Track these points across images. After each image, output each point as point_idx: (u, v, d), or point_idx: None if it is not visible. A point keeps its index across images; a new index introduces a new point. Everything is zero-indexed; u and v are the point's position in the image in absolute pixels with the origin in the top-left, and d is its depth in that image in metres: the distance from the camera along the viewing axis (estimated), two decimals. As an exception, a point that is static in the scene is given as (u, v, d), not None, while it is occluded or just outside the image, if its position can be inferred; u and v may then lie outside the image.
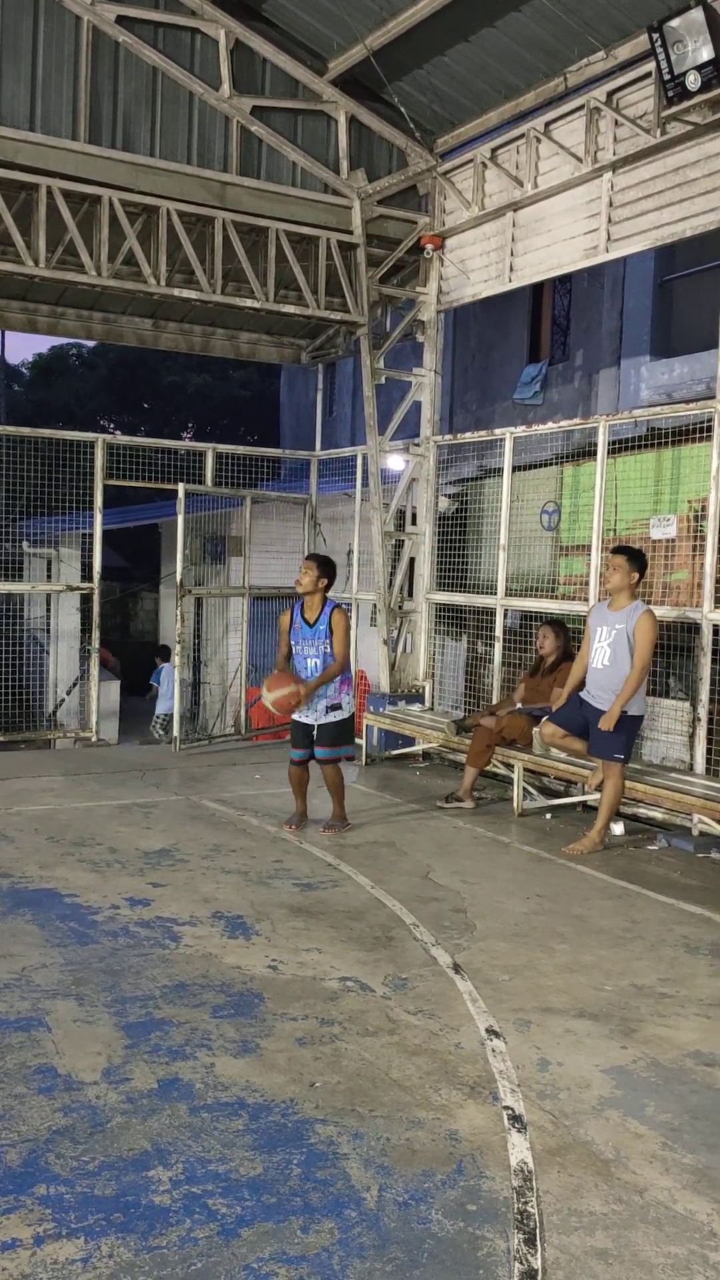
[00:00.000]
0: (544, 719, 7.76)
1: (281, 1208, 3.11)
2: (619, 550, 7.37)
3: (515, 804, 8.34)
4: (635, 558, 7.23)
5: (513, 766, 8.41)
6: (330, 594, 7.60)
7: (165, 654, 16.18)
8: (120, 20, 9.19)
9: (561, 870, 6.84)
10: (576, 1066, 4.09)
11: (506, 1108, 3.74)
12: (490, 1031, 4.35)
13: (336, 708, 7.51)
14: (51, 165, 8.97)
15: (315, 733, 7.54)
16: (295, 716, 7.59)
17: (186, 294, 9.73)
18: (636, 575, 7.20)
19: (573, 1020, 4.51)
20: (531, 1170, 3.35)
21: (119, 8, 9.15)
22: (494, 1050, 4.19)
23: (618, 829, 7.69)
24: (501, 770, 8.86)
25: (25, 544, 13.30)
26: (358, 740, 10.60)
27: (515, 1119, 3.67)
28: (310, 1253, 2.91)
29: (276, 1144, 3.44)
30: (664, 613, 7.78)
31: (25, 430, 11.12)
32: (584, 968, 5.12)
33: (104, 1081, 3.81)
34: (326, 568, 7.57)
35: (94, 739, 11.28)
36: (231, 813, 8.10)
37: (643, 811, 7.98)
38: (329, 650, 7.41)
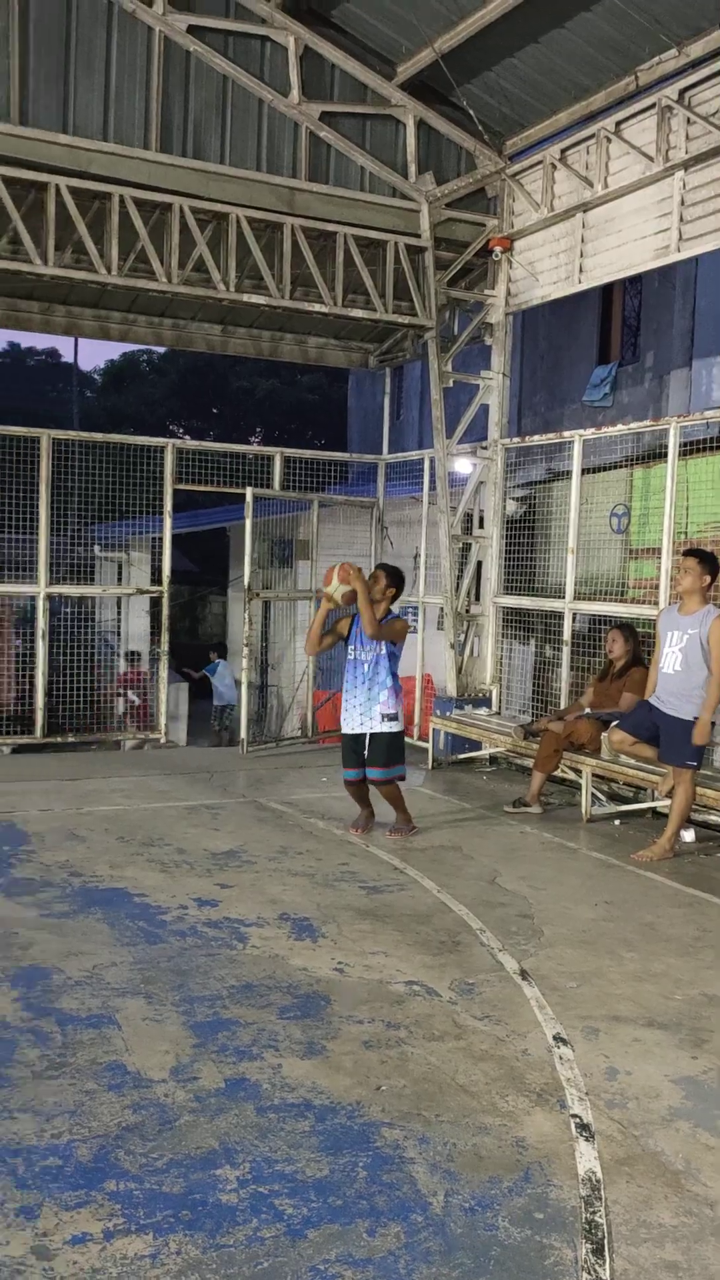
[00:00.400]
0: (613, 725, 7.67)
1: (347, 1210, 3.11)
2: (691, 553, 7.26)
3: (583, 810, 8.27)
4: (707, 560, 7.12)
5: (581, 772, 8.34)
6: (397, 603, 7.60)
7: (221, 650, 16.40)
8: (191, 30, 9.29)
9: (630, 877, 6.76)
10: (645, 1076, 4.04)
11: (574, 1116, 3.71)
12: (558, 1039, 4.32)
13: (393, 718, 7.45)
14: (124, 174, 9.11)
15: (368, 746, 7.46)
16: (346, 729, 7.55)
17: (255, 299, 9.80)
18: (709, 578, 7.09)
19: (641, 1029, 4.45)
20: (600, 1180, 3.32)
21: (190, 18, 9.26)
22: (561, 1058, 4.15)
23: (688, 836, 7.58)
24: (569, 776, 8.79)
25: (96, 548, 13.50)
26: (423, 743, 10.60)
27: (583, 1127, 3.63)
28: (376, 1256, 2.91)
29: (343, 1146, 3.45)
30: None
31: (97, 436, 11.30)
32: (653, 976, 5.05)
33: (172, 1080, 3.85)
34: (395, 579, 7.58)
35: (163, 740, 11.41)
36: (298, 815, 8.14)
37: (714, 818, 7.86)
38: (382, 653, 7.37)
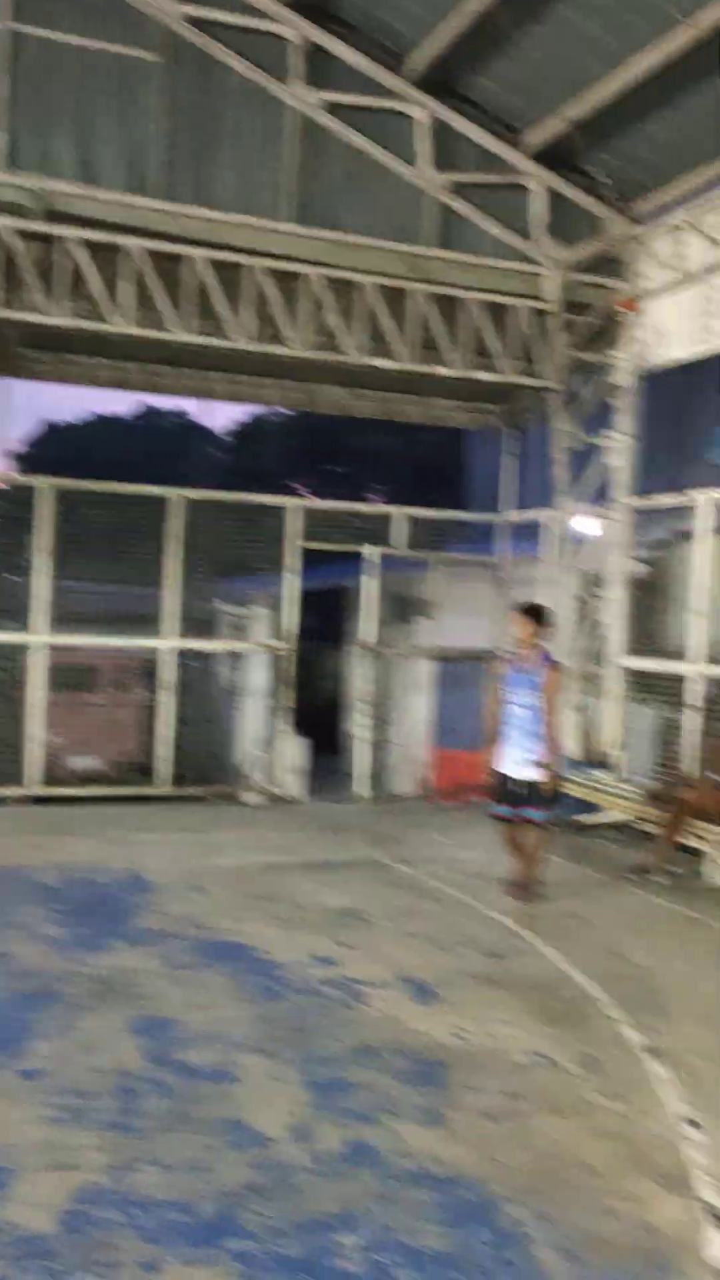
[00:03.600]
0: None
1: (469, 1286, 3.05)
2: None
3: (707, 878, 8.02)
4: None
5: (706, 839, 8.10)
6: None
7: None
8: (326, 105, 9.61)
9: (760, 952, 6.52)
10: (780, 1165, 3.87)
11: (706, 1203, 3.57)
12: (687, 1120, 4.17)
13: (544, 764, 7.39)
14: (259, 245, 9.43)
15: (519, 788, 7.44)
16: (500, 766, 7.51)
17: (382, 363, 9.99)
18: None
19: (775, 1114, 4.28)
20: (732, 1273, 3.19)
21: (325, 94, 9.58)
22: (690, 1140, 4.01)
23: None
24: (695, 843, 8.54)
25: (219, 603, 13.77)
26: (552, 810, 10.43)
27: (715, 1215, 3.50)
28: (499, 1337, 2.84)
29: (463, 1219, 3.39)
30: None
31: (225, 495, 11.58)
32: (786, 1058, 4.85)
33: (292, 1140, 3.85)
34: (537, 614, 7.53)
35: (283, 795, 11.49)
36: (417, 874, 8.09)
37: None
38: (537, 703, 7.35)
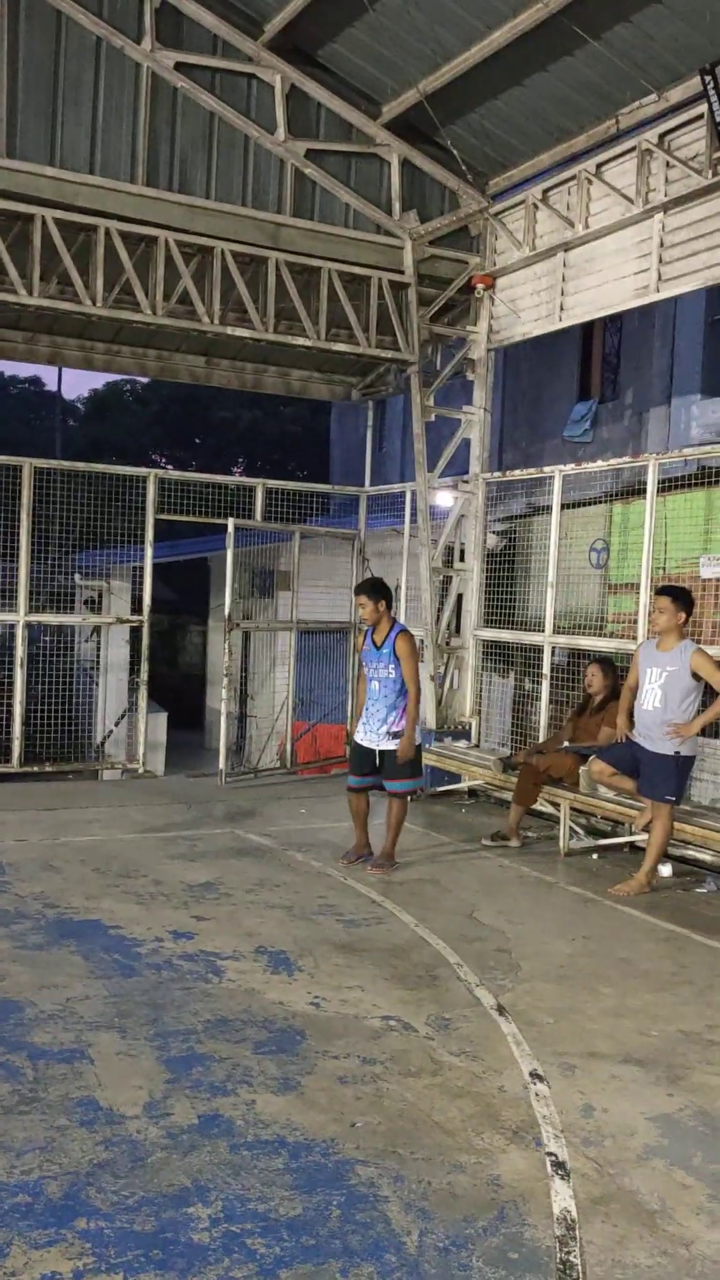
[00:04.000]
0: (594, 756, 7.69)
1: (321, 1250, 3.08)
2: (664, 591, 7.32)
3: (561, 843, 8.27)
4: (680, 597, 7.17)
5: (559, 805, 8.34)
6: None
7: None
8: (179, 66, 9.40)
9: (607, 912, 6.75)
10: (621, 1113, 4.02)
11: (550, 1154, 3.69)
12: (534, 1075, 4.30)
13: (399, 735, 7.47)
14: (110, 207, 9.18)
15: (380, 760, 7.52)
16: (356, 737, 7.59)
17: (240, 332, 9.88)
18: (683, 615, 7.14)
19: (618, 1066, 4.44)
20: (575, 1219, 3.30)
21: (178, 54, 9.37)
22: (537, 1094, 4.13)
23: (665, 871, 7.59)
24: (548, 809, 8.79)
25: (77, 576, 13.47)
26: (415, 780, 10.57)
27: (559, 1166, 3.61)
28: (349, 1297, 2.88)
29: (316, 1184, 3.42)
30: (715, 652, 7.69)
31: (79, 465, 11.29)
32: (630, 1012, 5.04)
33: (145, 1116, 3.81)
34: (377, 592, 7.54)
35: (141, 770, 11.35)
36: (276, 847, 8.10)
37: (691, 853, 7.87)
38: (392, 674, 7.40)
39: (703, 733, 7.67)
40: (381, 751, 7.49)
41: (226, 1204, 3.28)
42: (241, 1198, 3.32)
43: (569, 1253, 3.12)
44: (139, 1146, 3.60)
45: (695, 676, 7.01)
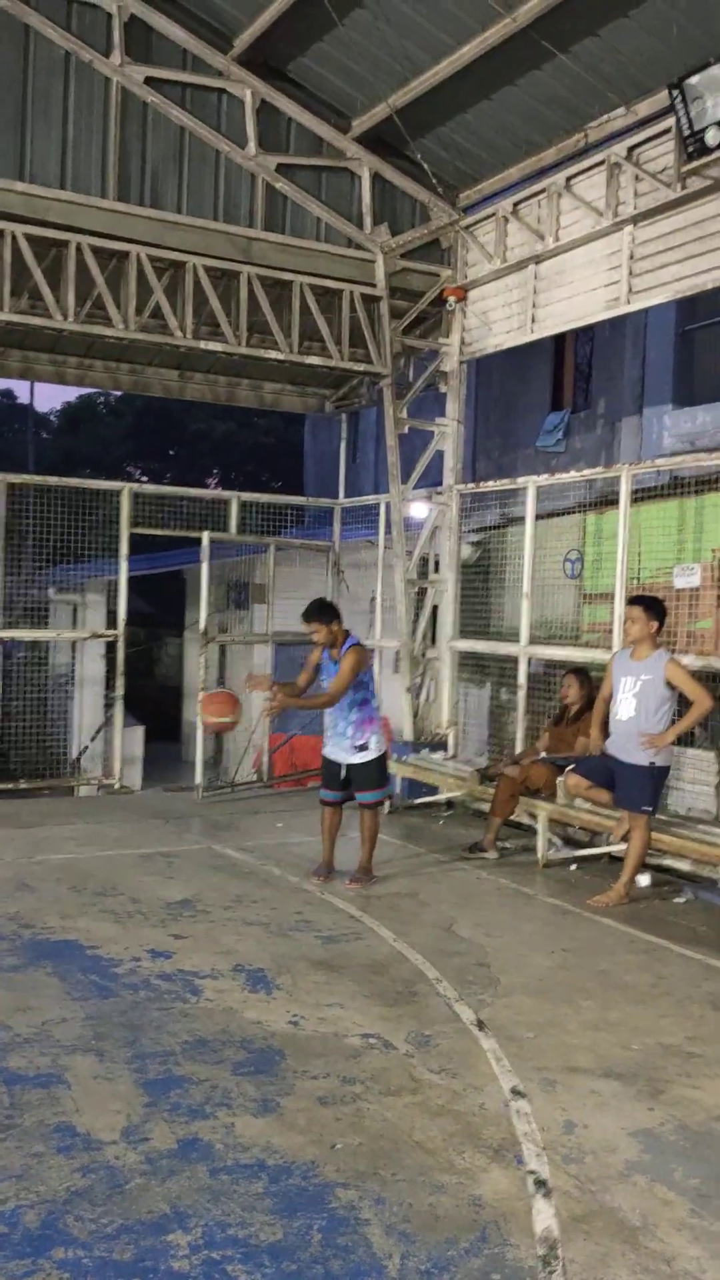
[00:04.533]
0: (569, 769, 7.71)
1: (302, 1275, 3.06)
2: (635, 600, 7.35)
3: (539, 855, 8.27)
4: (652, 606, 7.21)
5: (537, 816, 8.35)
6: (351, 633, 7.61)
7: None
8: (149, 81, 9.39)
9: (586, 923, 6.76)
10: (602, 1129, 4.02)
11: (531, 1172, 3.68)
12: (515, 1092, 4.29)
13: (363, 748, 7.46)
14: (81, 223, 9.15)
15: (346, 773, 7.50)
16: (325, 752, 7.56)
17: (212, 346, 9.87)
18: (656, 624, 7.17)
19: (598, 1080, 4.44)
20: (557, 1238, 3.29)
21: (147, 69, 9.36)
22: (518, 1111, 4.12)
23: (644, 881, 7.61)
24: (526, 820, 8.80)
25: (51, 591, 13.40)
26: (384, 789, 10.56)
27: (540, 1184, 3.60)
28: (330, 1323, 2.85)
29: (297, 1208, 3.39)
30: (688, 661, 7.73)
31: (52, 480, 11.24)
32: (610, 1025, 5.04)
33: (123, 1141, 3.77)
34: (325, 614, 7.42)
35: (117, 786, 11.28)
36: (254, 862, 8.07)
37: (669, 863, 7.88)
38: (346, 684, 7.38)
39: (678, 742, 7.71)
40: (349, 765, 7.48)
41: (206, 1230, 3.25)
42: (221, 1223, 3.29)
43: (551, 1272, 3.11)
44: (117, 1173, 3.56)
45: (670, 686, 7.04)
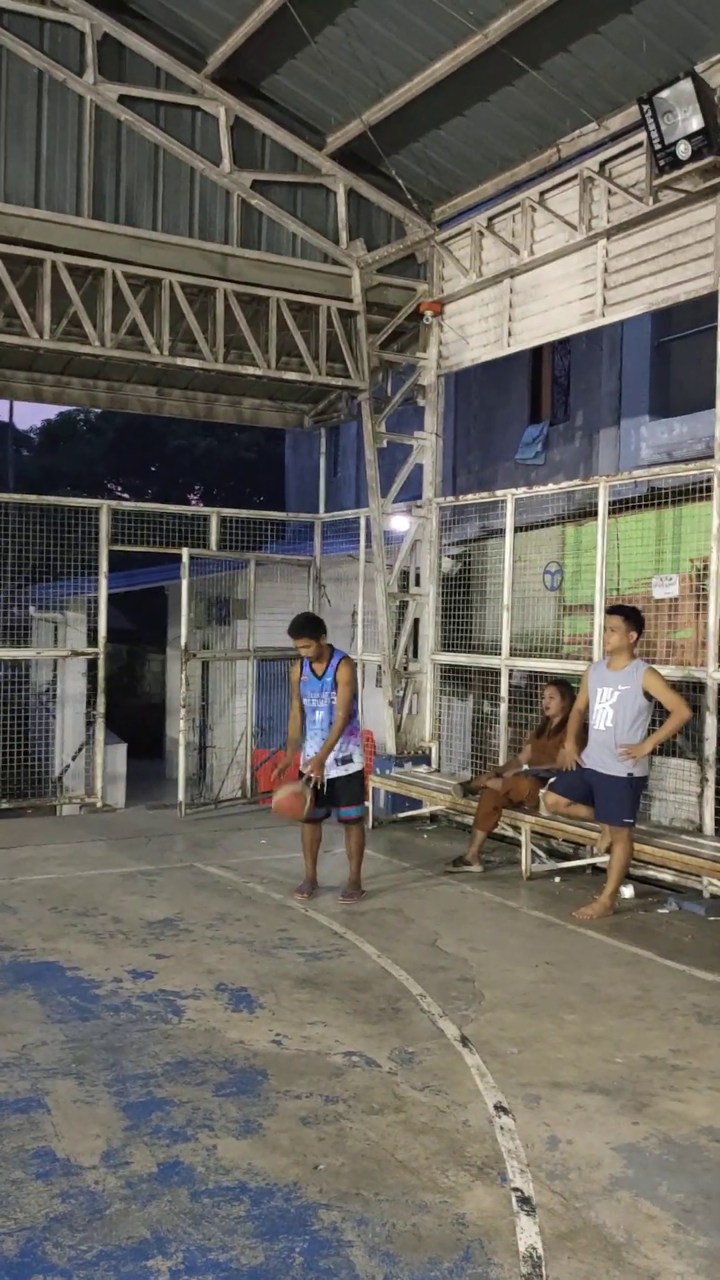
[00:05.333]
0: (547, 788, 7.70)
1: (283, 1300, 3.02)
2: (615, 610, 7.36)
3: (523, 867, 8.26)
4: (631, 616, 7.22)
5: (520, 829, 8.34)
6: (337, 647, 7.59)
7: None
8: (122, 99, 9.41)
9: (571, 936, 6.74)
10: (587, 1144, 4.00)
11: (515, 1189, 3.65)
12: (499, 1108, 4.26)
13: (347, 760, 7.44)
14: (56, 240, 9.16)
15: (328, 789, 7.46)
16: (304, 769, 7.51)
17: (190, 363, 9.87)
18: (635, 634, 7.19)
19: (583, 1095, 4.42)
20: (541, 1256, 3.26)
21: (121, 87, 9.39)
22: (502, 1128, 4.10)
23: (628, 892, 7.60)
24: (509, 833, 8.79)
25: (31, 609, 13.35)
26: (365, 803, 10.54)
27: (524, 1201, 3.58)
28: (313, 1348, 2.82)
29: (279, 1231, 3.36)
30: (669, 672, 7.75)
31: (31, 498, 11.20)
32: (594, 1039, 5.03)
33: (103, 1165, 3.73)
34: (314, 629, 7.44)
35: (100, 804, 11.22)
36: (237, 879, 8.03)
37: (652, 873, 7.89)
38: (332, 702, 7.37)
39: (661, 752, 7.73)
40: (330, 780, 7.44)
41: (187, 1255, 3.22)
42: (202, 1248, 3.26)
43: (535, 1292, 3.09)
44: (97, 1198, 3.52)
45: (647, 696, 7.05)
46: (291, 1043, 4.87)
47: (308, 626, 7.45)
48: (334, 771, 7.42)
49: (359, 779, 7.57)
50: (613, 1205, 3.58)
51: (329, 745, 7.32)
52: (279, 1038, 4.92)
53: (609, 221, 8.75)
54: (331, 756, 7.39)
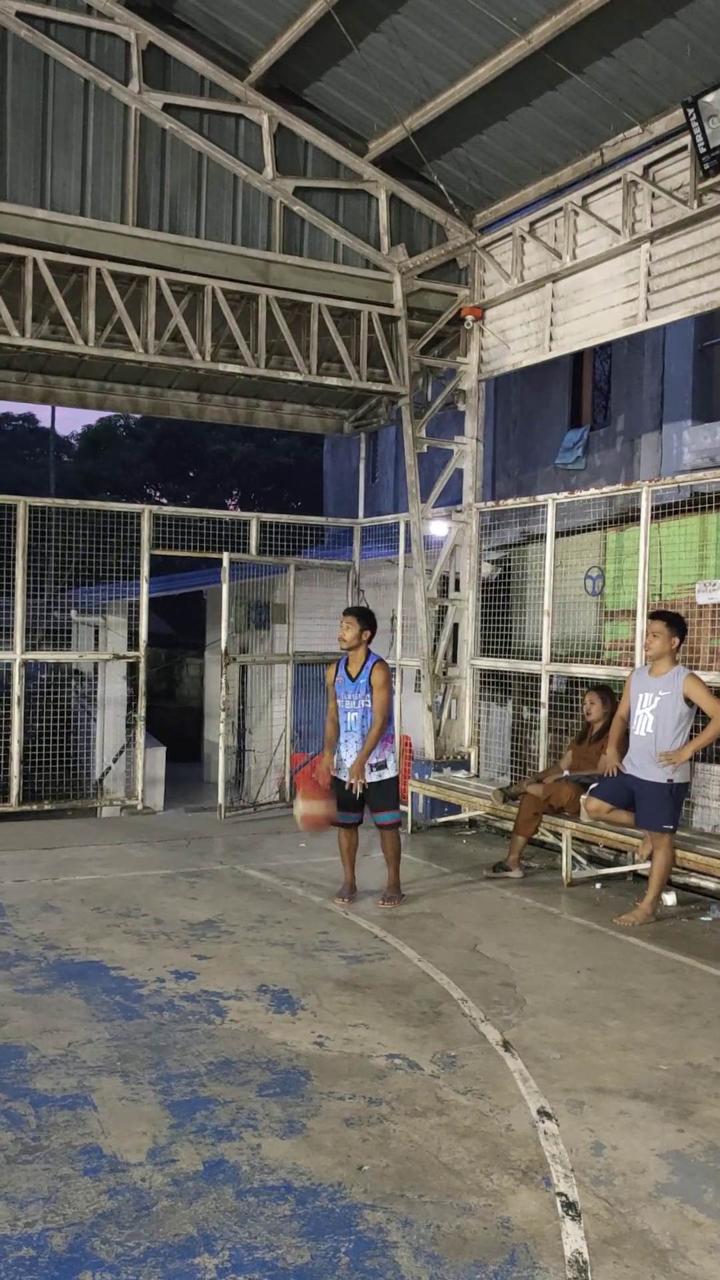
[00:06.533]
0: (588, 794, 7.67)
1: (330, 1299, 3.04)
2: (658, 615, 7.33)
3: (564, 873, 8.22)
4: (675, 622, 7.19)
5: (561, 835, 8.31)
6: (374, 650, 7.61)
7: None
8: (166, 108, 9.51)
9: (612, 943, 6.71)
10: (631, 1150, 3.98)
11: (560, 1194, 3.64)
12: (542, 1113, 4.25)
13: (381, 766, 7.44)
14: (101, 248, 9.26)
15: (362, 794, 7.47)
16: (337, 774, 7.53)
17: (231, 369, 9.94)
18: (677, 640, 7.15)
19: (627, 1101, 4.40)
20: (587, 1261, 3.26)
21: (165, 96, 9.48)
22: (546, 1133, 4.09)
23: (670, 899, 7.55)
24: (550, 839, 8.76)
25: (74, 612, 13.48)
26: (403, 807, 10.54)
27: (569, 1206, 3.57)
28: (359, 1348, 2.83)
29: (324, 1230, 3.37)
30: (711, 678, 7.70)
31: (73, 503, 11.32)
32: (638, 1045, 5.00)
33: (149, 1163, 3.76)
34: (366, 620, 7.56)
35: (140, 806, 11.30)
36: (277, 882, 8.06)
37: (695, 881, 7.83)
38: (369, 705, 7.38)
39: (702, 758, 7.67)
40: (366, 784, 7.44)
41: (233, 1253, 3.24)
42: (249, 1246, 3.28)
43: (582, 1296, 3.08)
44: (144, 1195, 3.55)
45: (688, 702, 7.01)
46: (334, 1044, 4.89)
47: (358, 612, 7.63)
48: (368, 777, 7.42)
49: (394, 784, 7.57)
50: (658, 1211, 3.56)
51: (367, 750, 7.33)
52: (321, 1039, 4.94)
53: (652, 225, 8.71)
54: (368, 762, 7.40)
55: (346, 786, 7.35)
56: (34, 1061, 4.59)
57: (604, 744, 8.22)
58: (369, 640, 7.54)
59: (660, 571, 8.91)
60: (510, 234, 10.30)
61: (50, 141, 9.14)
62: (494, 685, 10.88)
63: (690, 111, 7.64)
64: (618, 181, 9.01)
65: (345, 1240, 3.32)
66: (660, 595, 8.89)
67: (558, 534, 9.73)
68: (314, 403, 12.59)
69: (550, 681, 9.69)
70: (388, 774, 7.49)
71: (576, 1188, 3.69)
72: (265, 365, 10.00)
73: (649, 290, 8.86)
